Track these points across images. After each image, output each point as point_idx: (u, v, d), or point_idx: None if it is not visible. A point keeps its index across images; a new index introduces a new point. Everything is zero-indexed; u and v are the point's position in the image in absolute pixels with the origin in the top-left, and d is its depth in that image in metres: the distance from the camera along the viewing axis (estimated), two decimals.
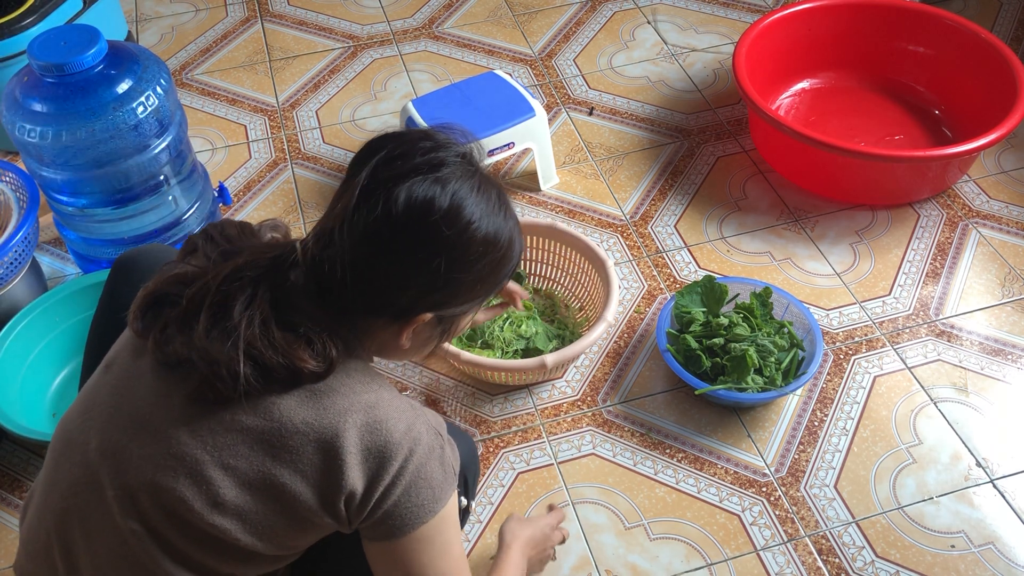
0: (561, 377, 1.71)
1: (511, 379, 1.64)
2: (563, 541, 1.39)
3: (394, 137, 0.96)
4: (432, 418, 0.99)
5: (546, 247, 1.80)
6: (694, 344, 1.63)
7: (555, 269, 1.82)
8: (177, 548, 0.92)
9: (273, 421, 0.91)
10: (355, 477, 0.92)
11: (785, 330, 1.65)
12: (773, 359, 1.60)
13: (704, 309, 1.69)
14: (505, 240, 0.96)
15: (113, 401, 0.96)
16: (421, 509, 0.94)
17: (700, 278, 1.73)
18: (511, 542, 1.25)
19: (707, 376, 1.62)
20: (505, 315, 1.72)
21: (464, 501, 1.15)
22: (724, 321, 1.64)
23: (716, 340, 1.62)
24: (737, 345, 1.60)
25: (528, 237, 1.79)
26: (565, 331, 1.74)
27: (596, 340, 1.57)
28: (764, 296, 1.68)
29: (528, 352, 1.69)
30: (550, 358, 1.54)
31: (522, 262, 1.83)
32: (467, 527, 1.49)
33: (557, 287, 1.83)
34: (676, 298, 1.70)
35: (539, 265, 1.84)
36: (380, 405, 0.94)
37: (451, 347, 1.57)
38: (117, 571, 0.93)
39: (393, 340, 0.97)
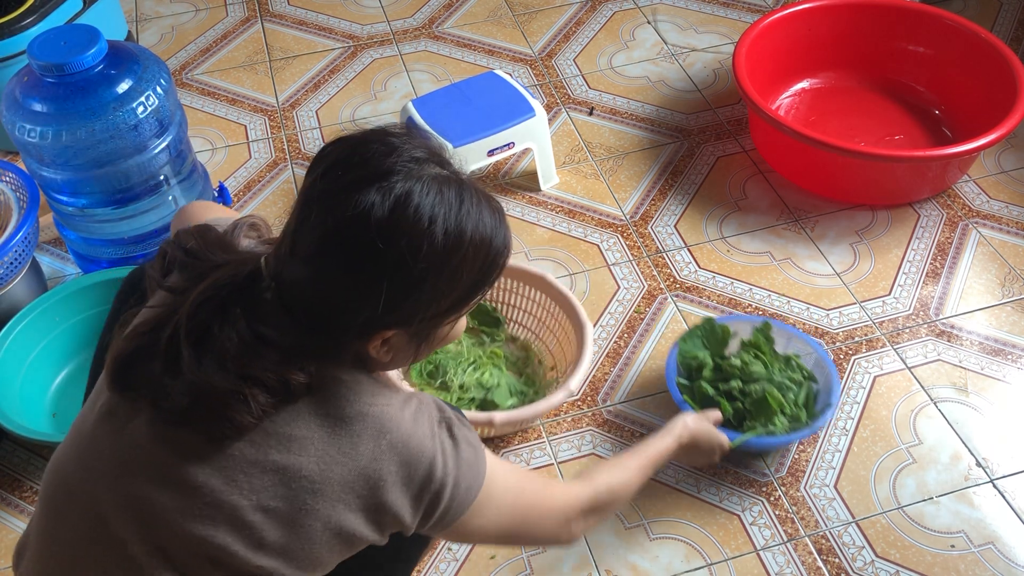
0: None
1: None
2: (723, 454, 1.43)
3: (343, 142, 0.89)
4: (436, 410, 0.99)
5: (532, 296, 1.71)
6: (711, 391, 1.53)
7: (536, 321, 1.73)
8: None
9: (310, 456, 0.89)
10: (398, 499, 0.92)
11: (794, 363, 1.58)
12: (792, 396, 1.52)
13: (709, 351, 1.60)
14: (468, 245, 0.87)
15: (121, 454, 0.91)
16: (471, 490, 0.97)
17: (699, 321, 1.63)
18: (673, 430, 1.31)
19: (729, 423, 1.51)
20: (472, 359, 1.65)
21: None
22: (736, 363, 1.55)
23: (733, 384, 1.53)
24: (756, 386, 1.51)
25: (517, 282, 1.72)
26: (529, 389, 1.65)
27: (552, 408, 1.51)
28: (765, 331, 1.60)
29: (484, 404, 1.61)
30: (499, 416, 1.47)
31: (503, 306, 1.75)
32: None
33: (534, 339, 1.73)
34: (679, 345, 1.60)
35: (521, 313, 1.74)
36: (400, 421, 0.93)
37: (404, 381, 1.49)
38: None
39: (365, 354, 0.93)
